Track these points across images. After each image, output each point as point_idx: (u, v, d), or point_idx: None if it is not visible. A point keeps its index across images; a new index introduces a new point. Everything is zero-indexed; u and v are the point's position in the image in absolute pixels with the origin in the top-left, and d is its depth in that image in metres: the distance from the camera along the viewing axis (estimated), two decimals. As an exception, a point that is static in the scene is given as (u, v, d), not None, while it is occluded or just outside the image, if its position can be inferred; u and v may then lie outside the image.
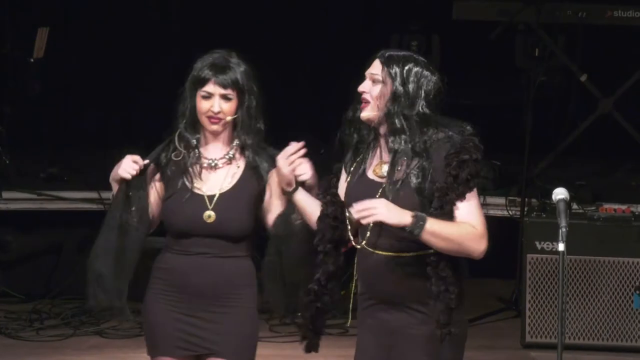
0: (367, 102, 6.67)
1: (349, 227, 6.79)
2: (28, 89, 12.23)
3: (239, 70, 6.90)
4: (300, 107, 12.67)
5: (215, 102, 6.81)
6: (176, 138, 6.94)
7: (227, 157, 6.94)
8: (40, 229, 11.95)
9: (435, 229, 6.52)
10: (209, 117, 6.82)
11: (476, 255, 6.63)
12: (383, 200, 6.55)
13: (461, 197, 6.62)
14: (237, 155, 6.95)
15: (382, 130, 6.75)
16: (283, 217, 7.11)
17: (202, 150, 6.92)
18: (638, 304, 10.35)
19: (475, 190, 6.61)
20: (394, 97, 6.73)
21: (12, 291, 11.61)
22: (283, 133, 8.22)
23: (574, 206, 10.09)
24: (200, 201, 6.88)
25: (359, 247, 6.73)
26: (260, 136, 7.01)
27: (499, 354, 10.18)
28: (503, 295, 11.04)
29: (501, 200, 10.20)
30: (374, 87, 6.70)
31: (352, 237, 6.80)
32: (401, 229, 6.54)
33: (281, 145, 8.02)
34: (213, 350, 6.93)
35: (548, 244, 10.02)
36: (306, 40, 14.14)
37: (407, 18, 11.74)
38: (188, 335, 6.98)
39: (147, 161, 7.00)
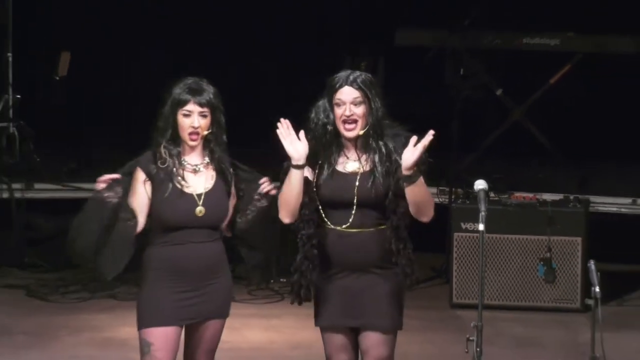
0: (356, 121, 7.07)
1: (323, 213, 7.12)
2: (54, 100, 12.05)
3: (211, 91, 7.12)
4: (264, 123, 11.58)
5: (194, 118, 7.03)
6: (161, 150, 7.12)
7: (205, 162, 7.18)
8: (63, 213, 11.27)
9: (423, 183, 6.98)
10: (190, 134, 7.04)
11: (429, 216, 7.07)
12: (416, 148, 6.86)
13: (422, 162, 6.98)
14: (211, 161, 7.23)
15: (359, 139, 7.16)
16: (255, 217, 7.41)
17: (184, 158, 7.16)
18: (542, 272, 10.56)
19: (424, 164, 7.04)
20: (374, 112, 7.12)
21: (42, 262, 11.72)
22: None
23: (492, 195, 10.40)
24: (191, 199, 7.06)
25: (335, 228, 7.10)
26: (225, 146, 7.27)
27: (432, 312, 10.31)
28: (435, 266, 11.28)
29: (433, 190, 10.38)
30: (358, 108, 7.07)
31: (326, 222, 7.15)
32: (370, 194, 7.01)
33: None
34: (210, 315, 7.22)
35: (471, 225, 10.39)
36: (272, 56, 13.34)
37: (357, 42, 11.52)
38: (188, 311, 7.14)
39: (116, 176, 7.15)
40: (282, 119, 7.22)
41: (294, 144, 7.20)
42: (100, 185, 7.10)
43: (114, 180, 7.12)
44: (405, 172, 6.99)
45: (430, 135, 6.97)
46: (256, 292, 10.44)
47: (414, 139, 7.03)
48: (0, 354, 9.28)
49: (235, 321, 7.61)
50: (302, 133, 7.25)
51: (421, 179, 7.17)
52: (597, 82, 12.77)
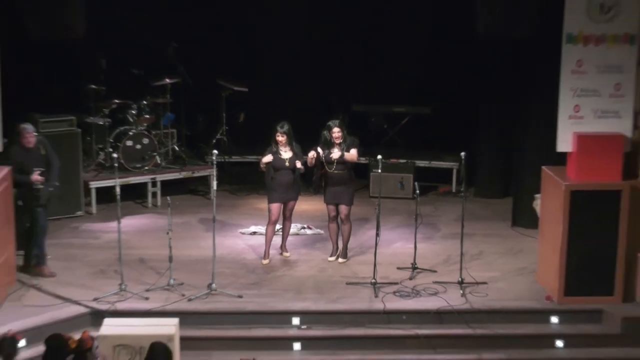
0: (339, 137, 7.54)
1: (326, 165, 7.56)
2: (237, 121, 10.16)
3: (287, 127, 7.44)
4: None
5: (281, 137, 7.43)
6: (273, 146, 7.46)
7: (288, 149, 7.47)
8: (242, 166, 10.24)
9: (346, 156, 7.42)
10: (279, 143, 7.40)
11: (356, 161, 7.62)
12: (337, 153, 7.39)
13: (355, 147, 7.53)
14: (290, 148, 7.49)
15: (340, 143, 7.52)
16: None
17: (280, 147, 7.46)
18: (400, 186, 9.59)
19: (357, 148, 7.54)
20: (344, 135, 7.57)
21: (232, 185, 9.98)
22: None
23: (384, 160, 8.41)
24: (284, 160, 7.52)
25: (329, 171, 7.60)
26: (294, 143, 7.51)
27: (363, 199, 9.23)
28: (365, 184, 9.74)
29: (363, 157, 9.04)
30: (340, 134, 7.54)
31: (326, 168, 7.63)
32: (340, 158, 7.44)
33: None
34: (291, 199, 7.70)
35: (376, 170, 8.43)
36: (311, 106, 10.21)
37: (338, 109, 9.48)
38: (284, 197, 7.61)
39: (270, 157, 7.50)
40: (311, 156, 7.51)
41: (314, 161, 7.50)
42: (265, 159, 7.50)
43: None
44: (338, 158, 7.48)
45: (313, 154, 7.44)
46: (304, 194, 8.80)
47: (352, 152, 7.42)
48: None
49: (298, 203, 7.99)
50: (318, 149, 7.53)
51: (345, 157, 7.46)
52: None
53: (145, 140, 9.39)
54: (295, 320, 6.76)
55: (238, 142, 10.17)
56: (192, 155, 10.06)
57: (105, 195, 8.95)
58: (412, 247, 7.67)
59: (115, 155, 8.41)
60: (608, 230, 6.78)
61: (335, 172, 7.72)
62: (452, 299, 7.01)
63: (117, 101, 9.29)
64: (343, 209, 7.83)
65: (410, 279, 7.46)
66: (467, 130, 9.56)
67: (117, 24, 9.09)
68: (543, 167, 7.36)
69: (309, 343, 6.60)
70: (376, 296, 7.08)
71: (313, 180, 8.19)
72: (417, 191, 7.59)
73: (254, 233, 8.68)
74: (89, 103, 9.13)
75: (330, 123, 7.75)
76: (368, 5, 9.86)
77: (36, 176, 7.05)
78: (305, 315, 6.79)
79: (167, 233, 7.15)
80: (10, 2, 6.55)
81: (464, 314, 6.79)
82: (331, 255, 8.02)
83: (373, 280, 7.22)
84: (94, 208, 9.07)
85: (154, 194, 9.43)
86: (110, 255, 7.69)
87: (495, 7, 7.14)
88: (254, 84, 9.89)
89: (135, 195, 9.46)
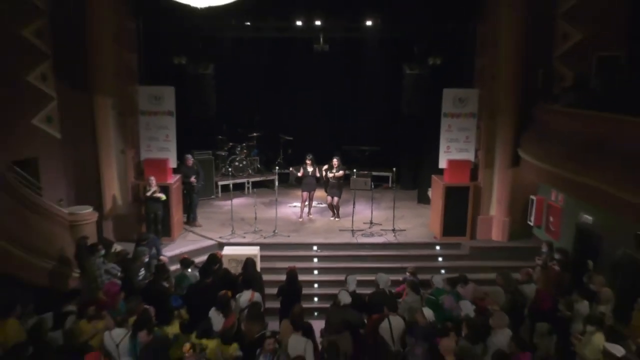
0: (336, 162, 7.63)
1: (329, 177, 7.65)
2: (287, 153, 10.19)
3: (311, 156, 7.17)
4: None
5: (307, 161, 7.17)
6: (304, 165, 7.13)
7: (311, 166, 7.26)
8: (286, 175, 9.96)
9: (336, 175, 7.39)
10: (307, 162, 7.02)
11: (342, 176, 7.52)
12: (331, 175, 7.27)
13: (342, 170, 7.58)
14: (312, 166, 7.27)
15: (336, 167, 7.67)
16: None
17: (308, 165, 7.19)
18: (371, 187, 8.34)
19: (344, 171, 7.63)
20: (339, 163, 7.66)
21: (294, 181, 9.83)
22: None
23: (358, 172, 9.08)
24: (308, 171, 7.31)
25: (330, 180, 7.70)
26: (315, 164, 7.24)
27: (345, 191, 8.60)
28: (346, 188, 9.08)
29: (348, 171, 8.52)
30: (337, 163, 7.60)
31: (329, 178, 7.75)
32: (333, 176, 7.44)
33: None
34: (312, 189, 7.56)
35: (354, 177, 8.96)
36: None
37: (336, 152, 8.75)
38: (309, 188, 7.51)
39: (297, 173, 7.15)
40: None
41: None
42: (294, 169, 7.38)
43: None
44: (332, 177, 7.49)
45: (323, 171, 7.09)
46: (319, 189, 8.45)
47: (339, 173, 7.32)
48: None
49: (316, 193, 8.09)
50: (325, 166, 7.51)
51: (336, 175, 7.47)
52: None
53: (245, 162, 10.06)
54: (315, 247, 7.48)
55: (288, 162, 10.35)
56: (266, 169, 10.36)
57: (226, 188, 9.59)
58: (370, 213, 8.20)
59: (230, 169, 9.64)
60: (463, 206, 7.67)
61: (332, 181, 8.09)
62: (389, 238, 7.69)
63: (230, 144, 10.05)
64: (335, 200, 8.21)
65: (369, 228, 8.00)
66: (396, 157, 9.77)
67: (230, 106, 9.75)
68: (433, 175, 8.04)
69: (321, 258, 7.34)
70: (353, 236, 7.73)
71: (323, 183, 8.34)
72: (373, 187, 8.32)
73: (295, 206, 8.92)
74: (222, 145, 9.96)
75: (334, 157, 8.15)
76: (351, 91, 10.23)
77: (192, 179, 7.88)
78: (319, 245, 7.50)
79: (254, 206, 7.86)
80: (184, 97, 7.78)
81: (395, 245, 7.54)
82: (332, 217, 8.50)
83: (352, 229, 7.86)
84: (220, 194, 9.70)
85: (248, 188, 9.92)
86: (227, 217, 8.22)
87: (410, 99, 8.19)
88: (297, 135, 10.34)
89: (239, 188, 9.84)
